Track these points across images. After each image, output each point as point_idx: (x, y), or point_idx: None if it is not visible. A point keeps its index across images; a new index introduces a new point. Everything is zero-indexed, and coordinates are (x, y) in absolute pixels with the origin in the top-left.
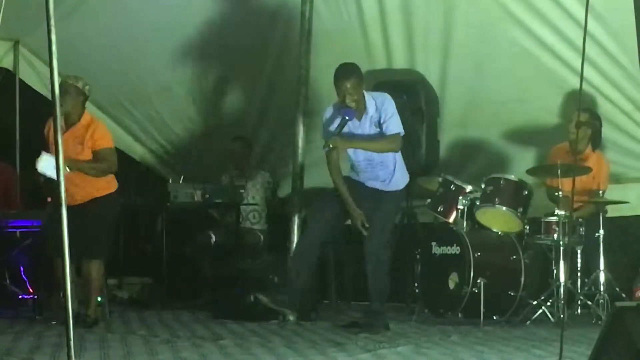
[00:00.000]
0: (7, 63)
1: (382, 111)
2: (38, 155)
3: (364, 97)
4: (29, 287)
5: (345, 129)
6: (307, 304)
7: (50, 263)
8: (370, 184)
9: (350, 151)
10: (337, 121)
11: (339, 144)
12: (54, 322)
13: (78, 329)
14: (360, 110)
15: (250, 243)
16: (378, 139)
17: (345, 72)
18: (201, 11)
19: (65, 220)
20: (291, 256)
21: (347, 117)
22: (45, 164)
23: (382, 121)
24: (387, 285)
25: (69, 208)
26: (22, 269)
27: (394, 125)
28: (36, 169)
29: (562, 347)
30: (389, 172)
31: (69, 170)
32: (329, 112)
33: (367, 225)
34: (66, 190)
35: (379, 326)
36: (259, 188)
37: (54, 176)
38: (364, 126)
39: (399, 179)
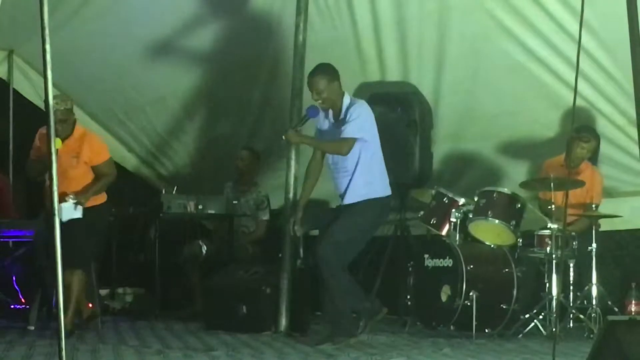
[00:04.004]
0: (2, 73)
1: (348, 114)
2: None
3: (342, 99)
4: (20, 296)
5: (324, 128)
6: (300, 316)
7: (41, 273)
8: (343, 198)
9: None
10: (301, 116)
11: (292, 138)
12: (30, 327)
13: (71, 339)
14: (337, 112)
15: (238, 256)
16: (328, 140)
17: (315, 70)
18: (195, 23)
19: (58, 230)
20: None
21: (308, 115)
22: (66, 212)
23: (345, 123)
24: (342, 300)
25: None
26: (14, 278)
27: (349, 130)
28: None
29: None
30: (347, 181)
31: (83, 204)
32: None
33: (298, 234)
34: (59, 200)
35: (339, 334)
36: (252, 205)
37: (79, 216)
38: (338, 128)
39: (356, 190)
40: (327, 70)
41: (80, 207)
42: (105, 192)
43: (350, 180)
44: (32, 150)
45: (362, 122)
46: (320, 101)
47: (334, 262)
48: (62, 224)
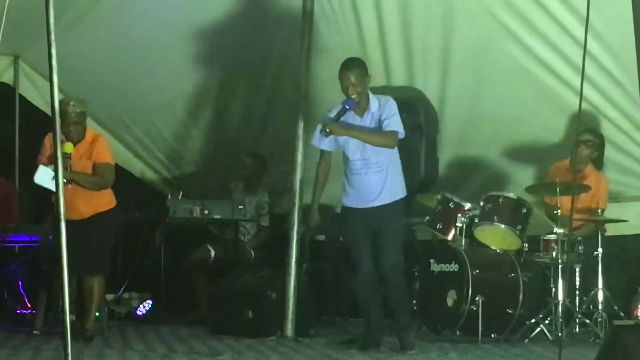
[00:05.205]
0: (8, 78)
1: (385, 109)
2: (37, 169)
3: (368, 94)
4: (27, 301)
5: (346, 122)
6: (305, 320)
7: (47, 277)
8: (365, 200)
9: (348, 150)
10: (336, 109)
11: (335, 130)
12: (36, 332)
13: (77, 344)
14: (362, 107)
15: (242, 259)
16: (374, 132)
17: (349, 64)
18: (200, 28)
19: (64, 235)
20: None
21: (347, 107)
22: (42, 176)
23: (383, 118)
24: (407, 301)
25: (72, 222)
26: (20, 283)
27: (394, 124)
28: (34, 182)
29: None
30: (382, 177)
31: (65, 178)
32: (334, 109)
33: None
34: (71, 204)
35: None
36: (253, 208)
37: (51, 187)
38: (365, 123)
39: (392, 187)
40: (361, 64)
41: (53, 182)
42: (115, 198)
43: (386, 177)
44: (39, 155)
45: (400, 119)
46: (354, 95)
47: (402, 270)
48: (75, 233)
